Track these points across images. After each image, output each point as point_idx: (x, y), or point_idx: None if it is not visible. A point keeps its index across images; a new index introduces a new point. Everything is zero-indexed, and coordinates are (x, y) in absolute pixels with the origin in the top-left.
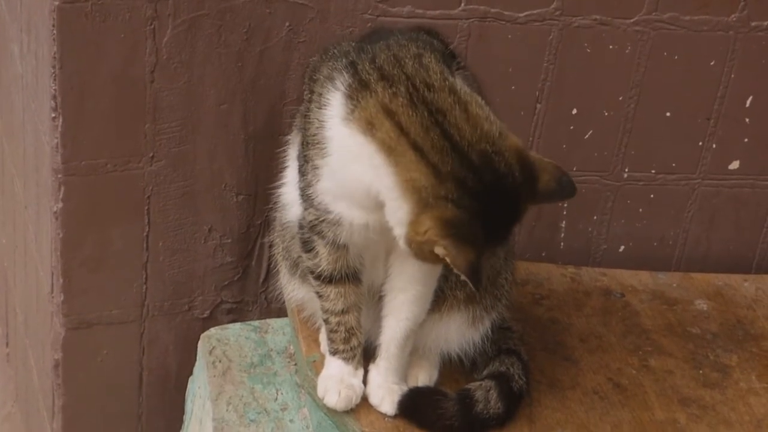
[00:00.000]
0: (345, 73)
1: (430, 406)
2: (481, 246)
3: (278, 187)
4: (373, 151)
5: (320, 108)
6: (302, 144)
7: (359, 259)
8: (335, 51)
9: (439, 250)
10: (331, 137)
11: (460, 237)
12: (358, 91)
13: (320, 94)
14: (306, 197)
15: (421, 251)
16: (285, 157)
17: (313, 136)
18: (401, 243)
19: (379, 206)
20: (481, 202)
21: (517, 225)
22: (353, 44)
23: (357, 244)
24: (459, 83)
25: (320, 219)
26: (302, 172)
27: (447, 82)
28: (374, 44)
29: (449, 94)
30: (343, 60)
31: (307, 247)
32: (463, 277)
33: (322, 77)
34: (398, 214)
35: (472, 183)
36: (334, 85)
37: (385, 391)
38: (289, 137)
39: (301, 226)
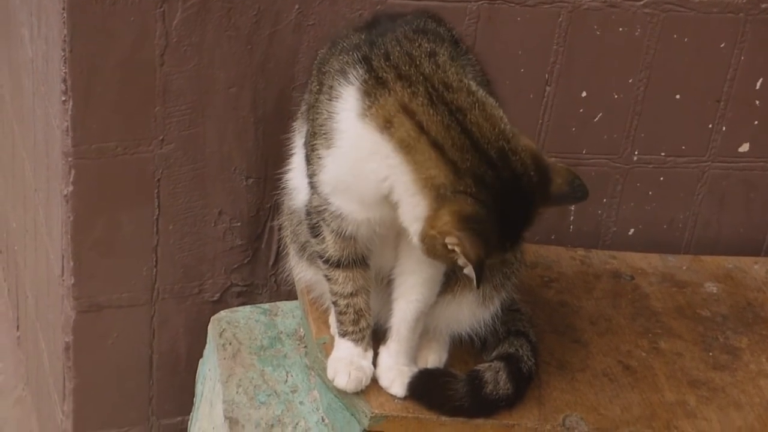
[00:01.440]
0: (359, 68)
1: (440, 387)
2: (494, 244)
3: (286, 172)
4: (391, 150)
5: (330, 100)
6: (309, 134)
7: (367, 246)
8: (345, 44)
9: (451, 241)
10: (342, 130)
11: (476, 231)
12: (374, 88)
13: (331, 87)
14: (311, 184)
15: (433, 246)
16: (292, 143)
17: (321, 126)
18: (415, 239)
19: (381, 203)
20: (498, 199)
21: (529, 228)
22: (362, 36)
23: (364, 236)
24: (474, 84)
25: (323, 207)
26: (308, 160)
27: (464, 83)
28: (382, 36)
29: (468, 95)
30: (355, 54)
31: (315, 232)
32: (466, 270)
33: (332, 70)
34: (416, 210)
35: (491, 179)
36: (347, 79)
37: (395, 373)
38: (295, 124)
39: (308, 212)
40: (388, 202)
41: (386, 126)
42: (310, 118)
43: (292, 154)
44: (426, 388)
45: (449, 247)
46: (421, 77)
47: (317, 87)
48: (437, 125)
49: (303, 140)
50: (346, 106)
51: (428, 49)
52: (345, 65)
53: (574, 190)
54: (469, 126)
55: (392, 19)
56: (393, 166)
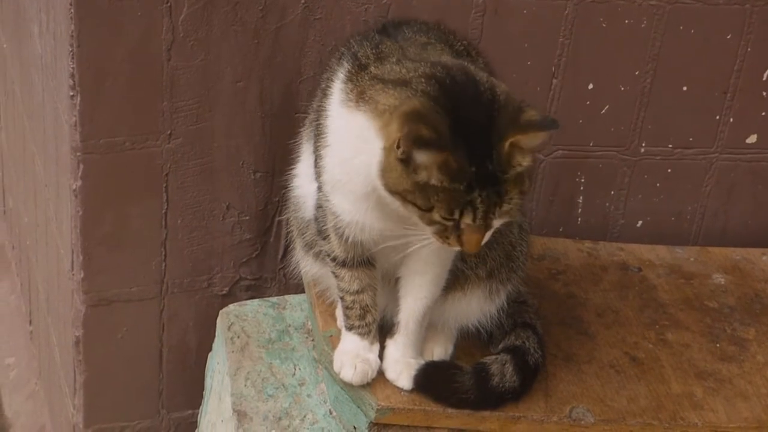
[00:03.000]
0: (346, 63)
1: (446, 380)
2: (445, 134)
3: (292, 176)
4: (363, 118)
5: (324, 98)
6: (315, 138)
7: (372, 252)
8: (343, 49)
9: (393, 132)
10: (331, 123)
11: (423, 118)
12: (356, 74)
13: (325, 87)
14: (318, 186)
15: (393, 174)
16: (299, 149)
17: (318, 126)
18: (381, 189)
19: (370, 198)
20: (454, 100)
21: (502, 163)
22: (358, 38)
23: (366, 242)
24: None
25: (326, 207)
26: (315, 165)
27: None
28: (385, 36)
29: (440, 53)
30: (347, 52)
31: (323, 234)
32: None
33: (328, 72)
34: (376, 150)
35: (443, 79)
36: (337, 75)
37: (402, 365)
38: (302, 131)
39: (315, 218)
40: (378, 202)
41: (360, 98)
42: (314, 123)
43: (300, 160)
44: (432, 380)
45: (400, 156)
46: (399, 50)
47: (320, 93)
48: (395, 70)
49: (311, 147)
50: (334, 99)
51: (424, 42)
52: (337, 64)
53: (544, 118)
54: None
55: (398, 26)
56: (366, 129)
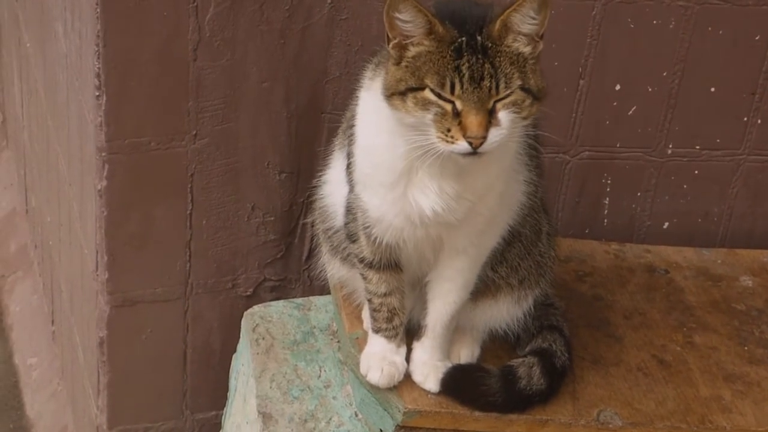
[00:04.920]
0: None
1: (473, 383)
2: (429, 9)
3: (320, 181)
4: (377, 85)
5: (355, 102)
6: (348, 143)
7: (400, 256)
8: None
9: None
10: (358, 115)
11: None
12: (383, 65)
13: (356, 90)
14: (350, 186)
15: (390, 76)
16: (331, 157)
17: (350, 127)
18: (384, 104)
19: (401, 182)
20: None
21: (489, 30)
22: None
23: (393, 243)
24: None
25: (356, 205)
26: (348, 168)
27: None
28: None
29: None
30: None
31: (352, 238)
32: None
33: (364, 78)
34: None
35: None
36: (366, 75)
37: (429, 368)
38: (336, 140)
39: (345, 223)
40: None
41: (375, 71)
42: (347, 130)
43: (330, 167)
44: (459, 383)
45: (391, 48)
46: None
47: (354, 100)
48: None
49: (343, 154)
50: (361, 94)
51: None
52: (368, 69)
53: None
54: None
55: None
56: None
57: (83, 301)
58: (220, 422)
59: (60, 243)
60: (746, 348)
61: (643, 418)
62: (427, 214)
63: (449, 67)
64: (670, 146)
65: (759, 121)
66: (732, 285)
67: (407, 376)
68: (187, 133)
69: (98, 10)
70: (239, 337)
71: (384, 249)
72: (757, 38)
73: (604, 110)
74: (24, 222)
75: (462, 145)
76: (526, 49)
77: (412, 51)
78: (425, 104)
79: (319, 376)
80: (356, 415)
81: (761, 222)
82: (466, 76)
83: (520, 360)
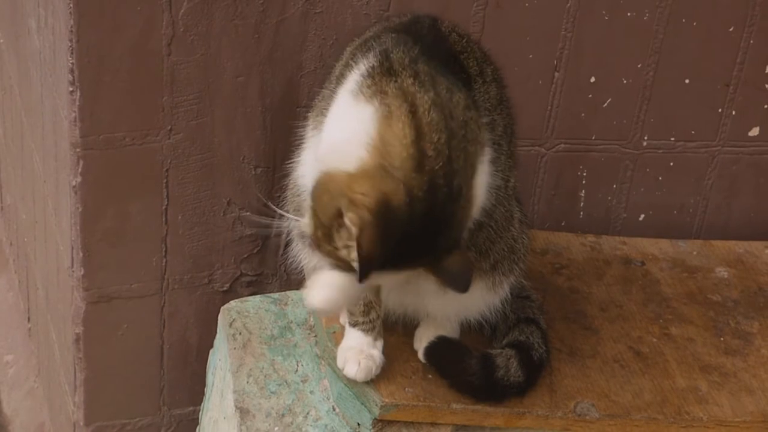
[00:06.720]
0: (373, 58)
1: (455, 358)
2: (389, 256)
3: (294, 167)
4: (370, 113)
5: (337, 86)
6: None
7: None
8: (373, 43)
9: (352, 219)
10: (333, 108)
11: (387, 231)
12: (381, 75)
13: (340, 74)
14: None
15: (324, 205)
16: (303, 136)
17: (323, 109)
18: (305, 178)
19: None
20: (425, 223)
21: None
22: (393, 36)
23: None
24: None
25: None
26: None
27: (469, 124)
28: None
29: (465, 128)
30: (378, 47)
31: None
32: (343, 254)
33: (345, 59)
34: (344, 153)
35: (439, 198)
36: (358, 66)
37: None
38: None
39: None
40: None
41: (377, 95)
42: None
43: (304, 147)
44: (443, 353)
45: (343, 220)
46: (433, 93)
47: (334, 81)
48: (428, 119)
49: (317, 134)
50: (345, 87)
51: (448, 86)
52: (362, 56)
53: (453, 279)
54: (451, 150)
55: (433, 25)
56: (363, 121)
57: (59, 298)
58: (198, 418)
59: (35, 240)
60: (722, 339)
61: (620, 410)
62: None
63: None
64: (646, 138)
65: (733, 113)
66: (708, 276)
67: (384, 369)
68: (162, 129)
69: (71, 5)
70: (216, 333)
71: None
72: (731, 29)
73: (580, 103)
74: None
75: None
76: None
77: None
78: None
79: (297, 371)
80: (334, 409)
81: (736, 213)
82: None
83: (498, 351)
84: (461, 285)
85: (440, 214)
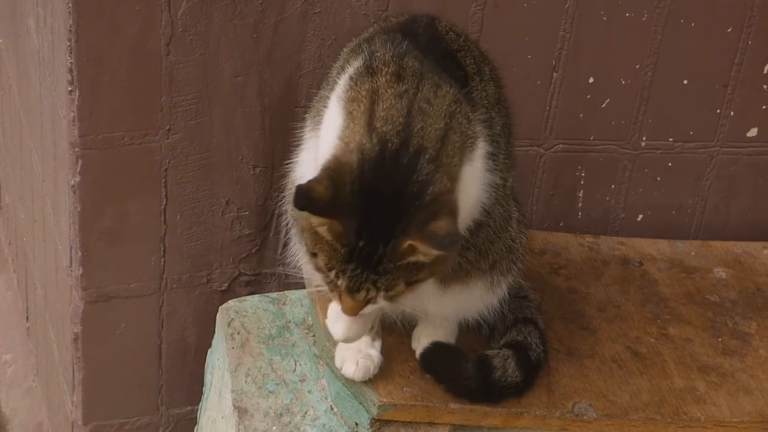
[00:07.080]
0: (361, 59)
1: (451, 362)
2: (338, 201)
3: (292, 166)
4: (337, 113)
5: (329, 90)
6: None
7: None
8: (364, 44)
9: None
10: (326, 114)
11: (339, 176)
12: (362, 75)
13: (336, 76)
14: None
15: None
16: (301, 137)
17: (318, 112)
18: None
19: None
20: (382, 176)
21: (394, 244)
22: (383, 37)
23: None
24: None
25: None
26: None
27: (456, 116)
28: (401, 42)
29: (449, 118)
30: (367, 48)
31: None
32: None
33: (340, 61)
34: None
35: (385, 156)
36: (346, 69)
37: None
38: (307, 116)
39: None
40: None
41: (350, 102)
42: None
43: (303, 148)
44: (438, 359)
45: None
46: (414, 87)
47: (329, 83)
48: (387, 112)
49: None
50: (336, 90)
51: (436, 82)
52: (353, 58)
53: (445, 237)
54: (410, 135)
55: (430, 24)
56: (335, 128)
57: (57, 297)
58: (196, 417)
59: (34, 239)
60: (720, 339)
61: (618, 410)
62: None
63: (337, 263)
64: (644, 139)
65: (732, 113)
66: (706, 276)
67: (382, 369)
68: (160, 128)
69: (70, 5)
70: (214, 332)
71: None
72: (729, 30)
73: (578, 103)
74: None
75: (340, 306)
76: (426, 258)
77: (315, 222)
78: (315, 265)
79: (295, 370)
80: (331, 409)
81: (734, 214)
82: (344, 285)
83: (496, 351)
84: (448, 246)
85: (397, 169)
